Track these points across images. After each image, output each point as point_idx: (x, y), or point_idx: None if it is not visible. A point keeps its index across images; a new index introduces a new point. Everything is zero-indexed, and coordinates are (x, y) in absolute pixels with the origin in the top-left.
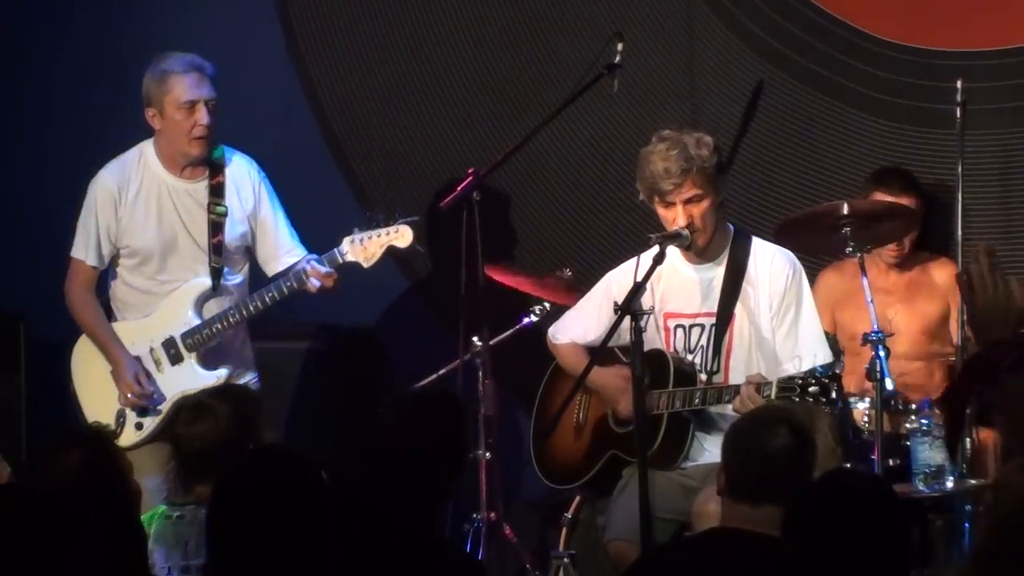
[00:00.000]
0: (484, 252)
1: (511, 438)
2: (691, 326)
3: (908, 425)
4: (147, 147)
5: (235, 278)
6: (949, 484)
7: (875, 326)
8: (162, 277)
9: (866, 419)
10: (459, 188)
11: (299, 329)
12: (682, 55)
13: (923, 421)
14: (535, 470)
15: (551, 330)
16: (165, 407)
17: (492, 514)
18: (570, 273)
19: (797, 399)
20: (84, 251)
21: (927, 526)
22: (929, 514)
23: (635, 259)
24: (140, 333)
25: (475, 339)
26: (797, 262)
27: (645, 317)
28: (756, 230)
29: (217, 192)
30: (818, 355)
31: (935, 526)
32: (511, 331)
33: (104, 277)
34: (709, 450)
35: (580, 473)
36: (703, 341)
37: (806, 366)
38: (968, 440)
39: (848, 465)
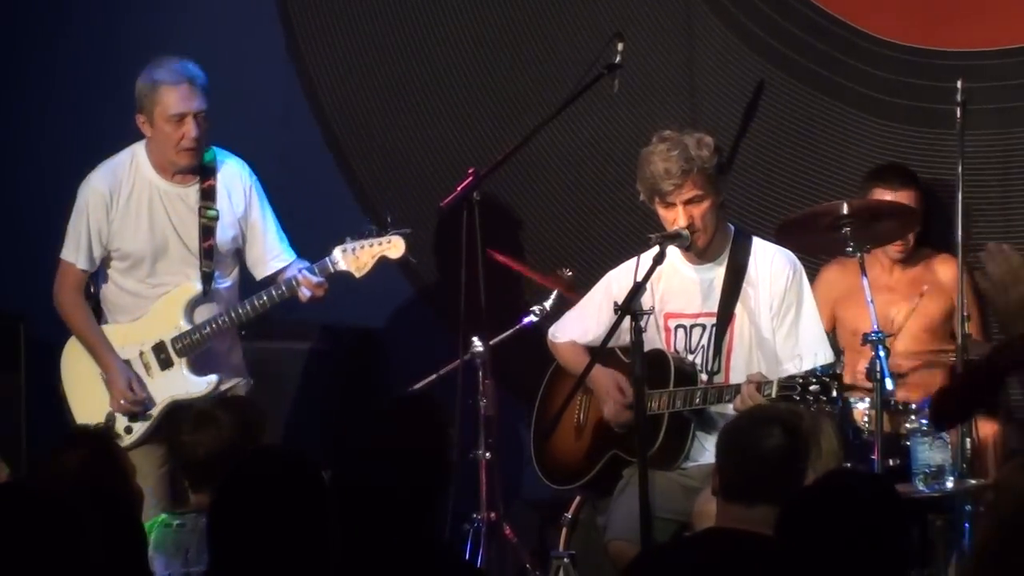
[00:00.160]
0: (484, 252)
1: (511, 438)
2: (692, 326)
3: (908, 425)
4: (139, 150)
5: (225, 282)
6: (949, 484)
7: (875, 326)
8: (153, 280)
9: (866, 419)
10: (459, 188)
11: (299, 329)
12: (682, 55)
13: (923, 421)
14: (535, 470)
15: (551, 330)
16: (155, 412)
17: (492, 514)
18: (570, 273)
19: (798, 398)
20: (74, 254)
21: (927, 526)
22: (929, 514)
23: (635, 259)
24: (130, 336)
25: (475, 339)
26: (797, 262)
27: (645, 317)
28: (756, 230)
29: (208, 196)
30: (819, 355)
31: (935, 526)
32: (511, 331)
33: (95, 279)
34: (710, 450)
35: (580, 473)
36: (704, 341)
37: (807, 366)
38: (968, 440)
39: (848, 465)
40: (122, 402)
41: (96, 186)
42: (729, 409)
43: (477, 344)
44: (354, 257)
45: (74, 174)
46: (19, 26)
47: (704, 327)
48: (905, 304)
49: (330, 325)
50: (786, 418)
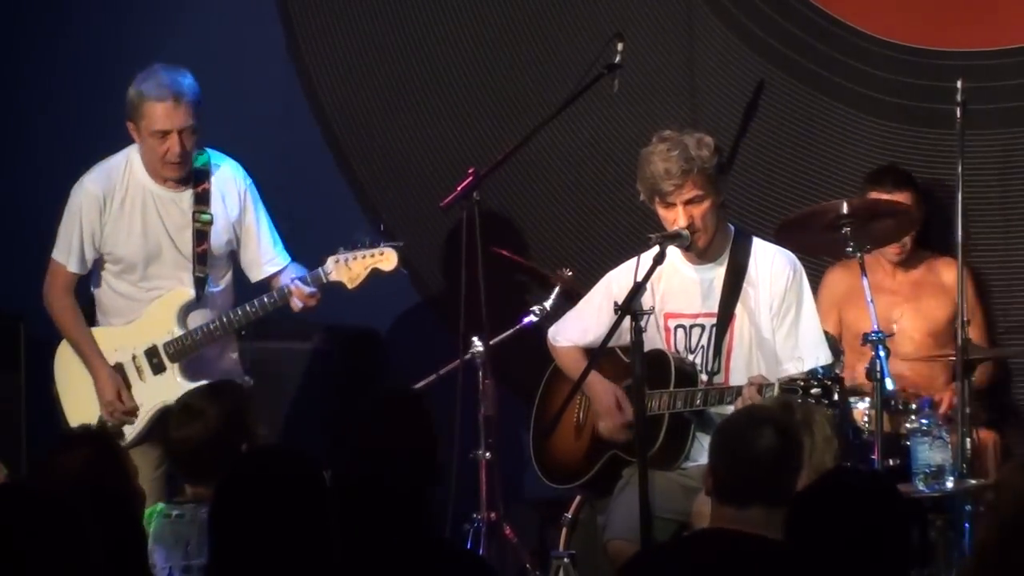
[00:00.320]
0: (484, 252)
1: (511, 438)
2: (692, 326)
3: (908, 425)
4: (133, 153)
5: (219, 285)
6: (949, 484)
7: (875, 326)
8: (145, 284)
9: (866, 419)
10: (459, 188)
11: (299, 329)
12: (682, 55)
13: (923, 421)
14: (535, 470)
15: (551, 331)
16: (147, 416)
17: (492, 514)
18: (570, 273)
19: (799, 400)
20: (65, 255)
21: (927, 526)
22: (929, 514)
23: (635, 259)
24: (123, 339)
25: (475, 339)
26: (798, 263)
27: (645, 317)
28: (756, 230)
29: (202, 200)
30: (819, 356)
31: (935, 526)
32: (511, 331)
33: (89, 280)
34: None
35: (580, 473)
36: (704, 341)
37: (807, 367)
38: (968, 440)
39: (848, 464)
40: (111, 412)
41: (90, 189)
42: (730, 410)
43: (477, 344)
44: (347, 268)
45: (74, 174)
46: (19, 25)
47: (704, 327)
48: (907, 306)
49: (330, 325)
50: (778, 418)
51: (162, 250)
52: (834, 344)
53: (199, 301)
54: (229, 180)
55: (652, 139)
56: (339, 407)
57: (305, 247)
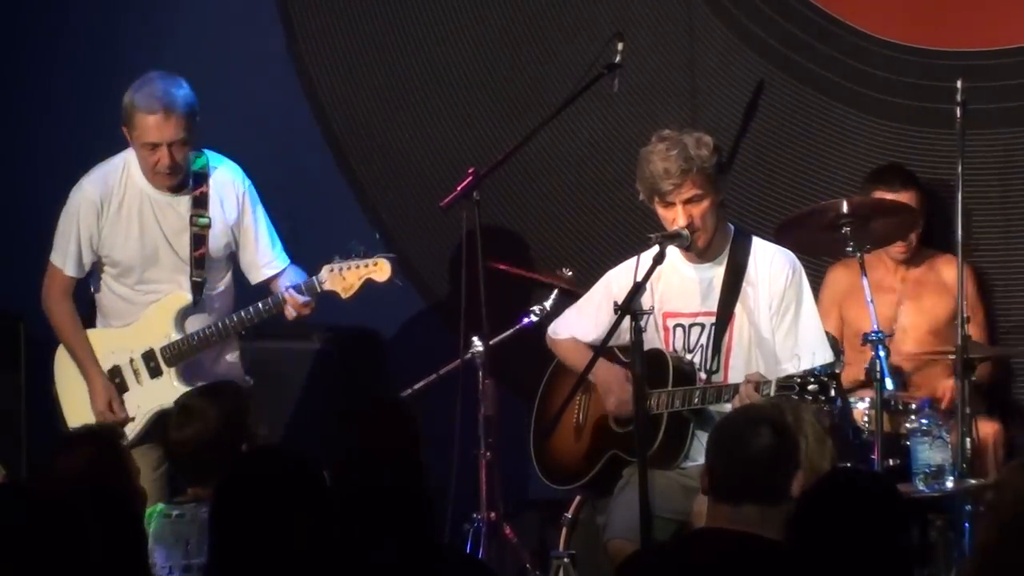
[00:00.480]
0: (484, 251)
1: (511, 438)
2: (691, 325)
3: (908, 425)
4: (131, 157)
5: (218, 288)
6: (949, 484)
7: (875, 326)
8: (143, 288)
9: (866, 419)
10: (459, 188)
11: (299, 329)
12: (682, 55)
13: (923, 421)
14: (535, 470)
15: (550, 328)
16: (145, 419)
17: (492, 514)
18: (570, 273)
19: (796, 398)
20: (63, 259)
21: (927, 526)
22: (929, 514)
23: (635, 258)
24: (121, 342)
25: (475, 339)
26: (797, 262)
27: (645, 317)
28: (756, 230)
29: (200, 203)
30: (817, 354)
31: (935, 526)
32: (511, 331)
33: (89, 281)
34: None
35: (580, 473)
36: (703, 340)
37: (805, 365)
38: (968, 440)
39: (849, 464)
40: (103, 421)
41: (87, 192)
42: (728, 408)
43: (477, 344)
44: (341, 278)
45: (74, 173)
46: (18, 25)
47: (703, 326)
48: (909, 304)
49: (330, 325)
50: (775, 418)
51: (159, 254)
52: (834, 343)
53: (196, 305)
54: (227, 183)
55: (652, 139)
56: (331, 410)
57: (305, 247)
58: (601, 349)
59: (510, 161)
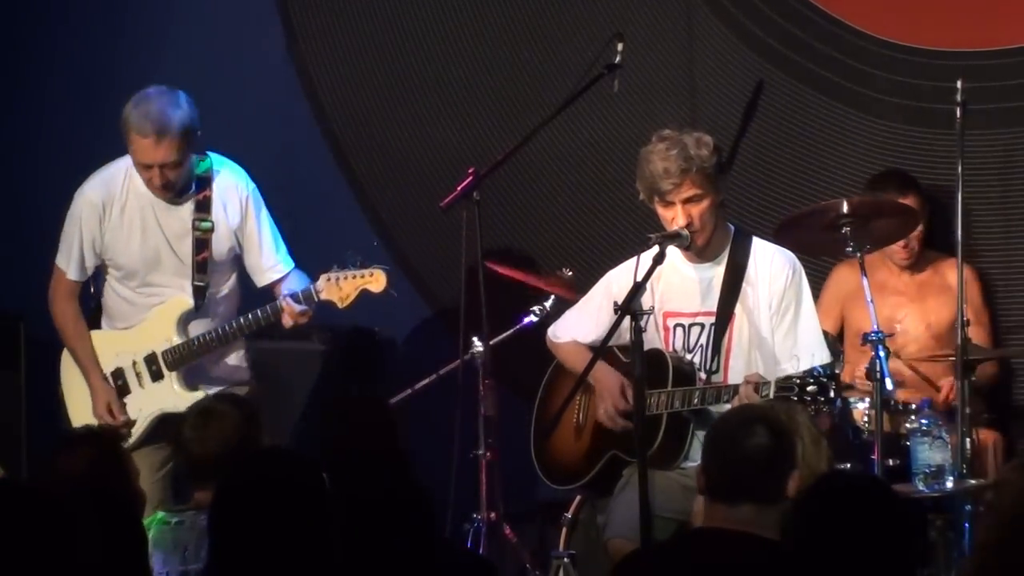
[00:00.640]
0: (484, 252)
1: (511, 438)
2: (690, 325)
3: (908, 425)
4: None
5: (222, 290)
6: (949, 484)
7: (875, 326)
8: (146, 291)
9: (866, 419)
10: (459, 188)
11: (299, 329)
12: (682, 55)
13: (923, 421)
14: (535, 470)
15: (551, 330)
16: (146, 422)
17: (492, 514)
18: (570, 273)
19: (795, 399)
20: (66, 263)
21: (927, 526)
22: (929, 514)
23: (635, 258)
24: (124, 344)
25: (475, 339)
26: (797, 262)
27: (645, 317)
28: (756, 230)
29: (203, 207)
30: (816, 355)
31: (935, 526)
32: (511, 331)
33: (96, 282)
34: None
35: (580, 473)
36: (702, 340)
37: (804, 366)
38: (968, 440)
39: (848, 465)
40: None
41: (90, 197)
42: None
43: (477, 344)
44: (337, 288)
45: (74, 173)
46: (18, 24)
47: (703, 326)
48: (912, 307)
49: (330, 326)
50: (771, 417)
51: (161, 258)
52: (833, 344)
53: (199, 310)
54: (231, 187)
55: (652, 138)
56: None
57: (304, 247)
58: (601, 349)
59: (510, 161)
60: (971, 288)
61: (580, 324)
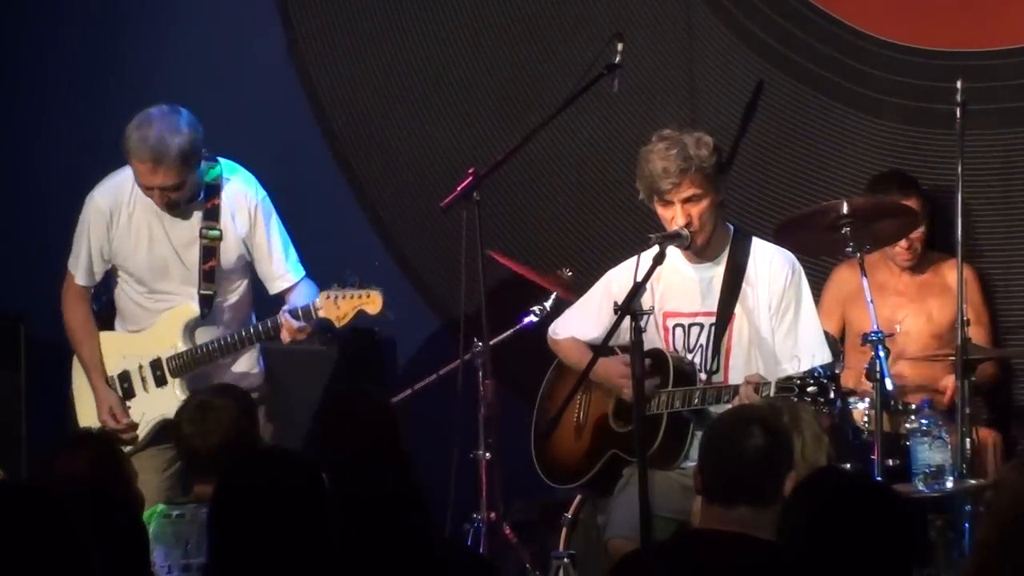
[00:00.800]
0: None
1: (511, 438)
2: (690, 325)
3: (908, 425)
4: None
5: (231, 298)
6: (949, 484)
7: (875, 326)
8: (154, 296)
9: (866, 419)
10: (459, 188)
11: None
12: (682, 55)
13: (923, 421)
14: (536, 470)
15: (551, 328)
16: (149, 426)
17: (492, 514)
18: (570, 273)
19: (795, 399)
20: (75, 267)
21: (927, 526)
22: (929, 514)
23: (635, 258)
24: (132, 348)
25: (475, 339)
26: (797, 262)
27: (645, 317)
28: (756, 230)
29: (212, 215)
30: (816, 355)
31: (935, 526)
32: (511, 331)
33: (108, 283)
34: None
35: (581, 473)
36: (702, 340)
37: (804, 366)
38: (968, 440)
39: (848, 465)
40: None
41: (98, 203)
42: None
43: (477, 344)
44: (335, 306)
45: (73, 174)
46: (18, 26)
47: (703, 326)
48: (912, 307)
49: (330, 325)
50: (767, 418)
51: (168, 266)
52: (833, 344)
53: (205, 318)
54: (240, 195)
55: (652, 138)
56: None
57: (304, 247)
58: (601, 349)
59: (510, 161)
60: (971, 288)
61: (580, 322)
